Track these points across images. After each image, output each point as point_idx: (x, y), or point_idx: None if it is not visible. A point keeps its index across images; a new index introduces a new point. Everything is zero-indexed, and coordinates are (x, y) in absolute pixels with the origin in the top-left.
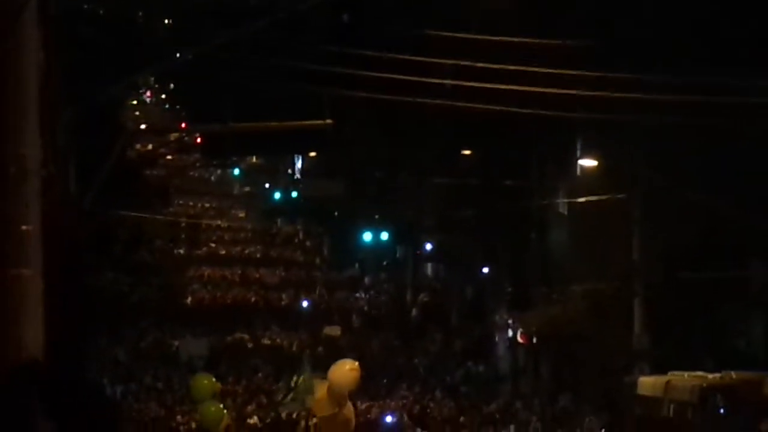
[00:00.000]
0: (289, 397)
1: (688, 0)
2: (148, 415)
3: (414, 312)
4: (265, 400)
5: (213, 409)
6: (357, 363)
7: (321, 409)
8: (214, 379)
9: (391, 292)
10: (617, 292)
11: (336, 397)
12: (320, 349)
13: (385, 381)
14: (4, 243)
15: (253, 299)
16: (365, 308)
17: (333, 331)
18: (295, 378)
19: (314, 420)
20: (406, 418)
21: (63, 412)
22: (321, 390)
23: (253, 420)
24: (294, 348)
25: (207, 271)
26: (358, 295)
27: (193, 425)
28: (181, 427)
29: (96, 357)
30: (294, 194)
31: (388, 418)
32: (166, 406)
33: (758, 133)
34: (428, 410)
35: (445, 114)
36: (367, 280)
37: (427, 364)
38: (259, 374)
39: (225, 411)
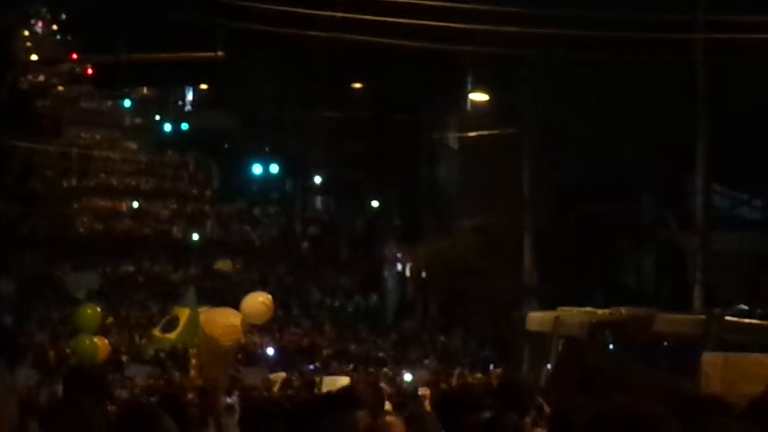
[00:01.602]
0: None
1: None
2: (35, 344)
3: (305, 245)
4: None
5: (87, 342)
6: (270, 297)
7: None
8: (99, 310)
9: (281, 225)
10: (507, 227)
11: (242, 327)
12: (210, 282)
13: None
14: None
15: (143, 231)
16: (256, 242)
17: (224, 265)
18: (174, 310)
19: (193, 351)
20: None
21: None
22: (213, 320)
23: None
24: (183, 281)
25: (97, 203)
26: (248, 228)
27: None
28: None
29: None
30: (185, 126)
31: (270, 350)
32: (53, 338)
33: (649, 67)
34: (316, 344)
35: (336, 47)
36: (256, 212)
37: (318, 299)
38: (152, 309)
39: (100, 344)
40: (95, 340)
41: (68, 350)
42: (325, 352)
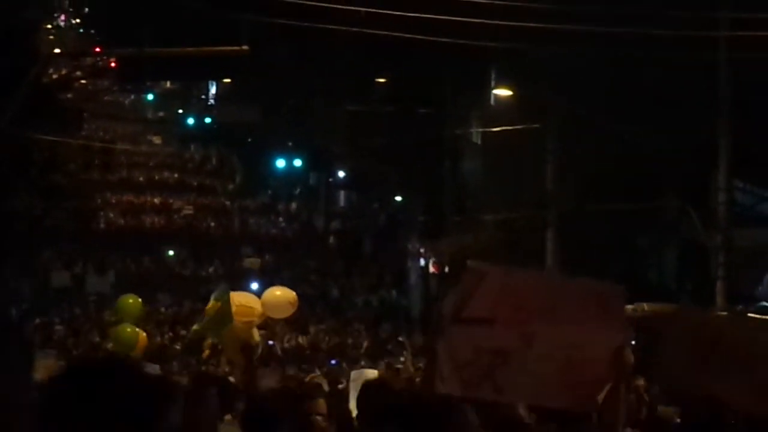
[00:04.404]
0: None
1: None
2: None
3: (331, 240)
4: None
5: (128, 330)
6: (293, 293)
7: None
8: (140, 300)
9: (304, 219)
10: (530, 222)
11: (259, 314)
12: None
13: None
14: None
15: (167, 226)
16: (279, 236)
17: (253, 263)
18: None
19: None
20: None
21: None
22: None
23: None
24: (208, 278)
25: (121, 197)
26: (272, 222)
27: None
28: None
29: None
30: (208, 120)
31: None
32: (75, 332)
33: (673, 64)
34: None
35: (360, 41)
36: (280, 207)
37: (342, 294)
38: (177, 300)
39: (141, 333)
40: (137, 330)
41: (108, 339)
42: (349, 348)
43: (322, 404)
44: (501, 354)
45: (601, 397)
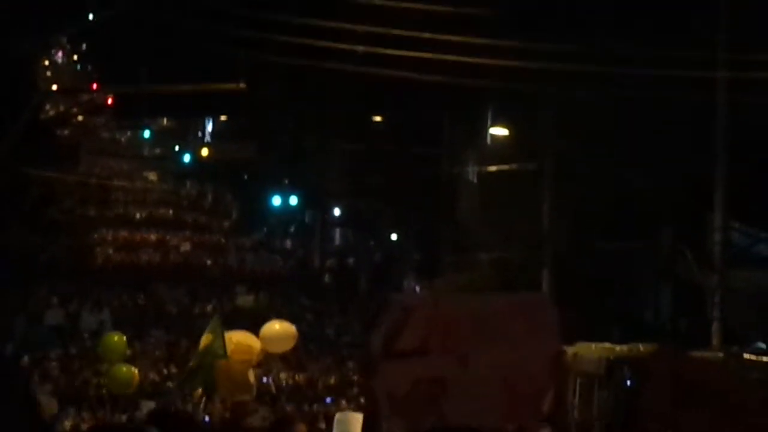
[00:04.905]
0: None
1: None
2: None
3: (327, 278)
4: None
5: (124, 369)
6: (292, 326)
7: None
8: (125, 338)
9: (300, 257)
10: (525, 262)
11: (258, 352)
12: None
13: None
14: None
15: (162, 263)
16: (275, 273)
17: (245, 302)
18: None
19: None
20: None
21: None
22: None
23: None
24: (204, 314)
25: (117, 233)
26: (267, 259)
27: (104, 390)
28: (91, 390)
29: None
30: (204, 154)
31: (264, 379)
32: (71, 369)
33: (670, 103)
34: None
35: (357, 79)
36: (275, 244)
37: (337, 332)
38: (172, 337)
39: (136, 371)
40: (132, 368)
41: (102, 379)
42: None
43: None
44: (439, 382)
45: (546, 406)
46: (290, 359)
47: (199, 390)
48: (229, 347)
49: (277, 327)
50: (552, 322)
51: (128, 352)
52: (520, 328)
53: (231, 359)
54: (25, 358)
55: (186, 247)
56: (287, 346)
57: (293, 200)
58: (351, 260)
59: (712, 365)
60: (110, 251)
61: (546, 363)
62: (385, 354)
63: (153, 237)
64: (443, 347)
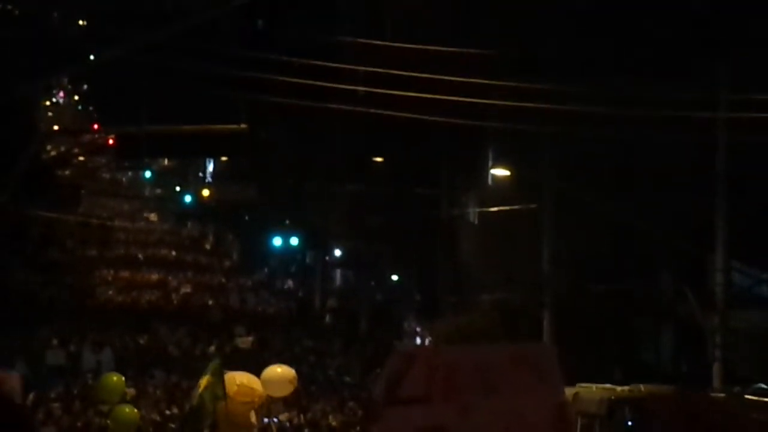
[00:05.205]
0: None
1: (600, 12)
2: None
3: (327, 319)
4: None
5: (127, 410)
6: (293, 371)
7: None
8: (123, 379)
9: (301, 297)
10: (526, 303)
11: (260, 394)
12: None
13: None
14: None
15: (164, 303)
16: (275, 314)
17: (244, 343)
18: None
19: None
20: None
21: None
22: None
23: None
24: (205, 355)
25: (117, 274)
26: (268, 301)
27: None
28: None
29: None
30: (205, 195)
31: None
32: (74, 411)
33: (670, 144)
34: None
35: (357, 120)
36: (276, 285)
37: (335, 373)
38: (172, 378)
39: (138, 412)
40: (135, 410)
41: (104, 420)
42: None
43: None
44: (440, 430)
45: None
46: (292, 401)
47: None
48: (232, 389)
49: (278, 371)
50: (556, 373)
51: (127, 392)
52: (523, 378)
53: (234, 401)
54: (30, 397)
55: (187, 288)
56: (288, 390)
57: (294, 241)
58: (352, 301)
59: (713, 406)
60: (111, 292)
61: (549, 414)
62: (387, 401)
63: (154, 277)
64: (445, 396)
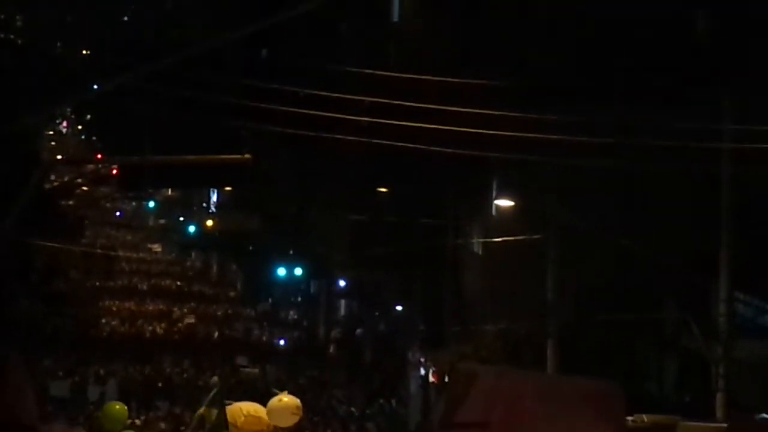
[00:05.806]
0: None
1: (605, 43)
2: None
3: (332, 349)
4: None
5: None
6: (298, 401)
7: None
8: (126, 408)
9: (305, 327)
10: (530, 333)
11: (266, 424)
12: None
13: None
14: None
15: (168, 334)
16: (279, 344)
17: (249, 374)
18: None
19: None
20: None
21: None
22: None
23: None
24: (208, 386)
25: (121, 305)
26: (272, 330)
27: None
28: None
29: None
30: (209, 225)
31: None
32: None
33: (674, 174)
34: None
35: (362, 150)
36: (280, 316)
37: (338, 402)
38: (176, 409)
39: None
40: None
41: None
42: None
43: None
44: None
45: None
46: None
47: None
48: (240, 419)
49: (285, 400)
50: (622, 414)
51: (130, 422)
52: (588, 415)
53: (242, 430)
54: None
55: (191, 319)
56: (292, 420)
57: (298, 271)
58: (356, 331)
59: None
60: (115, 322)
61: None
62: (444, 424)
63: (158, 308)
64: (504, 423)
